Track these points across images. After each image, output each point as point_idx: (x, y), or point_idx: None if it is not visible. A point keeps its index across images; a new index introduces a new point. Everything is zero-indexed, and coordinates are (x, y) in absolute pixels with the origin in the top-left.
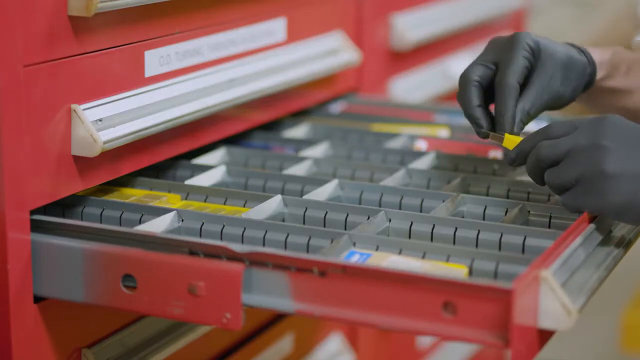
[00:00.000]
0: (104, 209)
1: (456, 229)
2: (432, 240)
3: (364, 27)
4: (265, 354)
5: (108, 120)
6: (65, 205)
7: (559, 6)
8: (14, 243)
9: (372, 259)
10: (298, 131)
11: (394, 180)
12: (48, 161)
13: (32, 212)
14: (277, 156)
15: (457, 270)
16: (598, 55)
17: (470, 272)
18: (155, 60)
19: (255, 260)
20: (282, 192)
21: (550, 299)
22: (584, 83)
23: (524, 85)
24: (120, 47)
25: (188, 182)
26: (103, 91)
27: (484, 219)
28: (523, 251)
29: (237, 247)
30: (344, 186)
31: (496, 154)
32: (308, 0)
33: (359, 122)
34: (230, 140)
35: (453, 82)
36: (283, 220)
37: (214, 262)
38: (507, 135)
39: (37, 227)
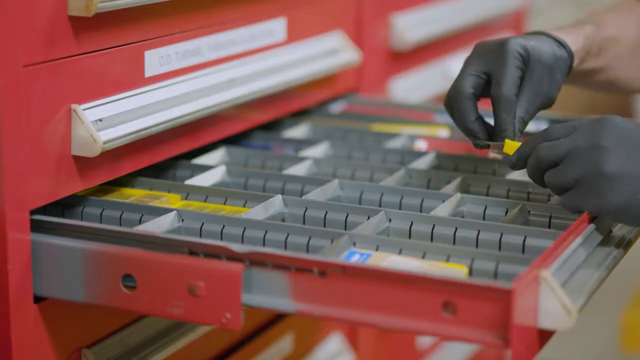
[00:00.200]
0: (104, 209)
1: (456, 229)
2: (432, 240)
3: (364, 27)
4: (265, 354)
5: (108, 120)
6: (65, 205)
7: (559, 6)
8: (14, 243)
9: (372, 259)
10: (298, 131)
11: (394, 180)
12: (48, 161)
13: (32, 212)
14: (277, 156)
15: (457, 270)
16: (573, 43)
17: (470, 272)
18: (155, 60)
19: (255, 260)
20: (282, 192)
21: (550, 299)
22: (566, 76)
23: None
24: (120, 47)
25: (188, 182)
26: (103, 91)
27: (484, 219)
28: (523, 251)
29: (237, 247)
30: (344, 186)
31: (496, 154)
32: (308, 0)
33: (359, 122)
34: (230, 140)
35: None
36: (283, 220)
37: (214, 262)
38: (507, 141)
39: (37, 227)
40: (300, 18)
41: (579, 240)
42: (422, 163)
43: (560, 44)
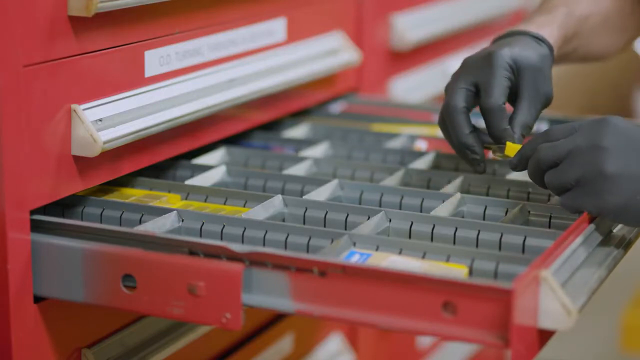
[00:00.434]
0: (104, 209)
1: (456, 229)
2: (432, 240)
3: (364, 27)
4: (265, 354)
5: (108, 120)
6: (65, 205)
7: None
8: (14, 243)
9: (372, 259)
10: (298, 131)
11: (394, 180)
12: (48, 161)
13: (32, 212)
14: (277, 156)
15: (457, 270)
16: (550, 36)
17: (470, 272)
18: (155, 60)
19: (255, 260)
20: (282, 192)
21: (550, 299)
22: (551, 68)
23: (515, 101)
24: (120, 47)
25: (188, 182)
26: (103, 91)
27: (484, 219)
28: (523, 251)
29: (237, 247)
30: (344, 186)
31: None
32: (308, 0)
33: (359, 122)
34: (230, 140)
35: None
36: (283, 220)
37: (214, 262)
38: (508, 144)
39: (37, 227)
40: (300, 18)
41: (579, 240)
42: (422, 163)
43: (540, 40)
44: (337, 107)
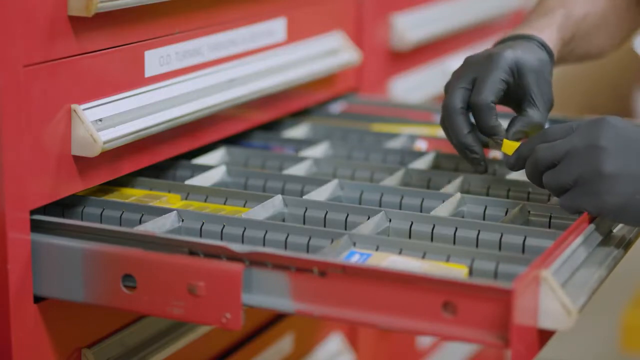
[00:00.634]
0: (104, 209)
1: (456, 229)
2: (432, 240)
3: (364, 27)
4: (265, 354)
5: (108, 120)
6: (65, 205)
7: None
8: (14, 243)
9: (372, 259)
10: (298, 131)
11: (394, 180)
12: (48, 161)
13: (32, 212)
14: (277, 156)
15: (457, 270)
16: (550, 41)
17: (470, 272)
18: (155, 60)
19: (255, 260)
20: (282, 192)
21: (550, 299)
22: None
23: (522, 103)
24: (120, 47)
25: (188, 182)
26: (103, 91)
27: (484, 219)
28: (523, 251)
29: (237, 247)
30: (344, 186)
31: (496, 153)
32: (308, 0)
33: (359, 122)
34: (230, 140)
35: None
36: (283, 220)
37: (214, 262)
38: (505, 141)
39: (37, 227)
40: (300, 18)
41: (579, 240)
42: (422, 163)
43: (542, 45)
44: (337, 107)
